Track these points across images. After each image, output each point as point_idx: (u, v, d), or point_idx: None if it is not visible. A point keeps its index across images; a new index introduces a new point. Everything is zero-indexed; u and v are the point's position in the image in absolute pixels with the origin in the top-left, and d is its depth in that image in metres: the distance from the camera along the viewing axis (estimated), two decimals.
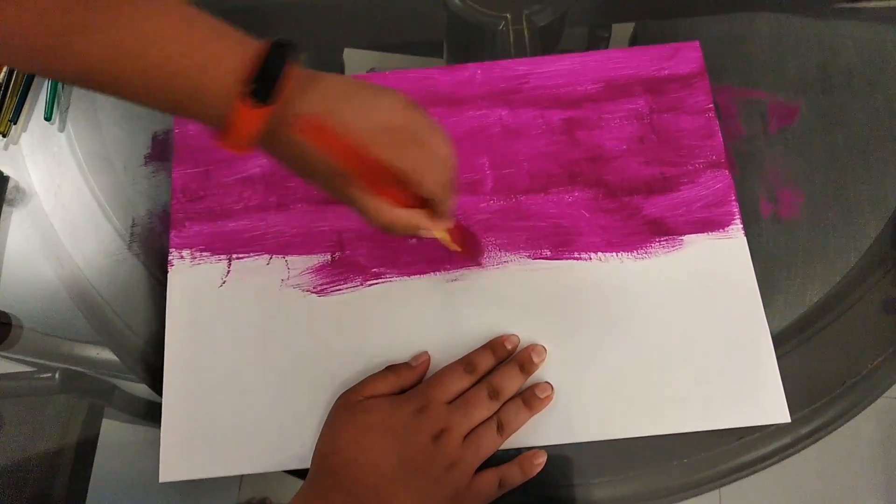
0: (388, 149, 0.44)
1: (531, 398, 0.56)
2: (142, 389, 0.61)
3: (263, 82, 0.41)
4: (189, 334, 0.60)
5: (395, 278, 0.61)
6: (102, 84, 0.42)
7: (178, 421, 0.57)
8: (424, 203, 0.49)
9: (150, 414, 0.59)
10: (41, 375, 0.64)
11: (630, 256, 0.61)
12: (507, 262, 0.61)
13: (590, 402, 0.57)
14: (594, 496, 0.57)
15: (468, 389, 0.56)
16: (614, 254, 0.61)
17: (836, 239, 0.64)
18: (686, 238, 0.61)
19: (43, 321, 0.64)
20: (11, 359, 0.63)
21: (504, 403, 0.56)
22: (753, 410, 0.56)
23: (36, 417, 0.62)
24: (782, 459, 0.58)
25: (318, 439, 0.54)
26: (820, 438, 0.59)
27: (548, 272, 0.61)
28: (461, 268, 0.61)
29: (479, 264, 0.61)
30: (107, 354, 0.63)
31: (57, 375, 0.63)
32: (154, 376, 0.60)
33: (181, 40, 0.41)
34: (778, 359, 0.58)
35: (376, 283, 0.61)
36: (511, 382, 0.56)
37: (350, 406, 0.54)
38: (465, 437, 0.53)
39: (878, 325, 0.61)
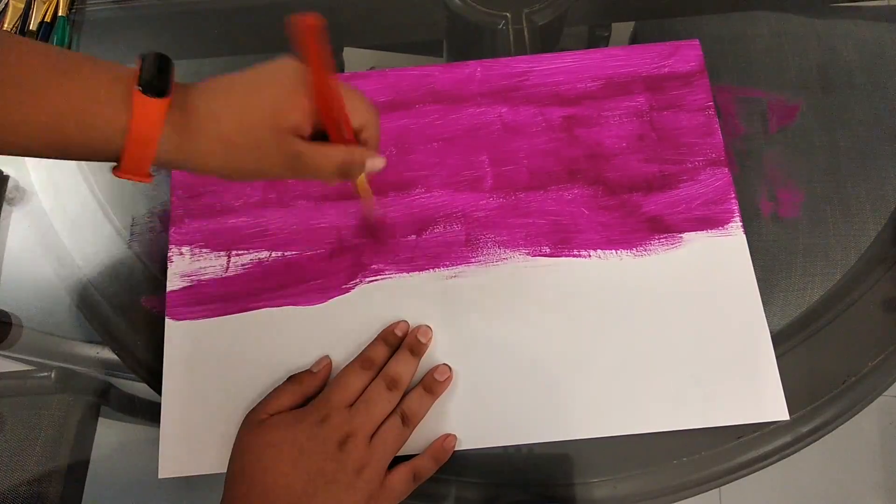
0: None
1: (431, 383, 0.57)
2: (141, 388, 0.61)
3: (153, 78, 0.42)
4: (188, 331, 0.60)
5: (393, 275, 0.61)
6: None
7: (178, 417, 0.57)
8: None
9: (148, 412, 0.59)
10: (37, 375, 0.64)
11: (629, 254, 0.61)
12: (507, 259, 0.61)
13: (589, 399, 0.57)
14: (594, 495, 0.57)
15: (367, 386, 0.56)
16: (614, 251, 0.61)
17: (836, 238, 0.64)
18: (685, 236, 0.61)
19: (43, 321, 0.64)
20: (11, 358, 0.63)
21: (406, 394, 0.56)
22: (752, 408, 0.56)
23: (32, 416, 0.63)
24: (782, 458, 0.58)
25: (228, 463, 0.53)
26: (820, 437, 0.59)
27: (547, 269, 0.61)
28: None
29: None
30: (107, 354, 0.63)
31: (53, 375, 0.63)
32: (154, 374, 0.60)
33: (65, 75, 0.42)
34: (778, 357, 0.58)
35: (375, 280, 0.61)
36: (405, 367, 0.56)
37: (253, 426, 0.53)
38: (372, 437, 0.53)
39: (878, 324, 0.61)
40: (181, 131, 0.44)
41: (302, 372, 0.57)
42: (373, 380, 0.56)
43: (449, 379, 0.57)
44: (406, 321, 0.59)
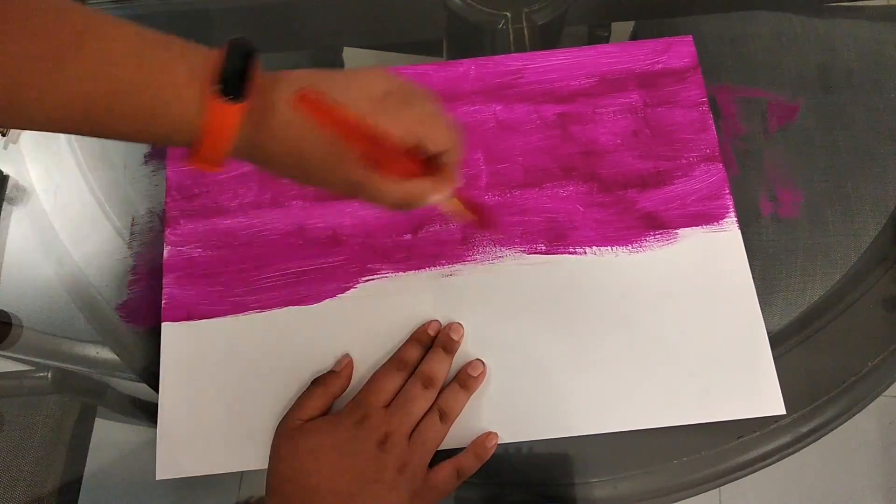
0: (386, 115, 0.42)
1: (466, 379, 0.57)
2: (141, 388, 0.61)
3: (233, 78, 0.39)
4: (185, 331, 0.60)
5: (389, 274, 0.61)
6: (69, 121, 0.41)
7: (176, 418, 0.57)
8: (428, 171, 0.46)
9: (145, 413, 0.60)
10: (34, 375, 0.64)
11: (625, 250, 0.61)
12: (502, 256, 0.61)
13: (585, 395, 0.57)
14: (594, 495, 0.56)
15: (403, 386, 0.56)
16: (609, 248, 0.61)
17: (836, 238, 0.64)
18: (680, 231, 0.61)
19: (43, 321, 0.64)
20: (11, 358, 0.64)
21: (442, 391, 0.56)
22: (748, 402, 0.56)
23: (28, 417, 0.63)
24: (782, 458, 0.58)
25: (267, 473, 0.53)
26: (820, 437, 0.58)
27: (543, 266, 0.61)
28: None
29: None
30: (106, 353, 0.63)
31: (49, 375, 0.63)
32: (154, 375, 0.60)
33: (139, 59, 0.40)
34: (778, 357, 0.57)
35: (371, 279, 0.61)
36: (439, 365, 0.56)
37: (289, 434, 0.53)
38: (411, 435, 0.54)
39: (877, 324, 0.61)
40: (256, 130, 0.42)
41: (325, 374, 0.57)
42: (407, 380, 0.56)
43: (483, 374, 0.57)
44: (438, 320, 0.59)
